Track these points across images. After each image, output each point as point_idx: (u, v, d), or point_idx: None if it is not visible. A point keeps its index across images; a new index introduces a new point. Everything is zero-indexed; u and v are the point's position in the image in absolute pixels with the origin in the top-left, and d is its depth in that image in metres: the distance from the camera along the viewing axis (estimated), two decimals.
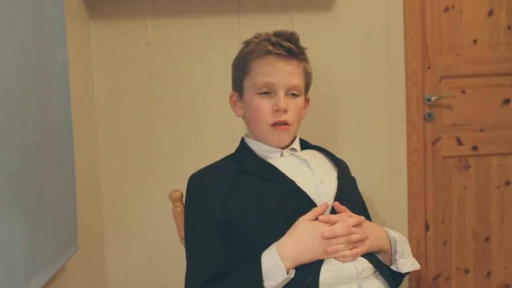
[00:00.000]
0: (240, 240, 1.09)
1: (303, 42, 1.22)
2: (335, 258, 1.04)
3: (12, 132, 1.03)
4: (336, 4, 1.81)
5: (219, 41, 1.76)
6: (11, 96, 1.02)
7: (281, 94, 1.16)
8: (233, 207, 1.10)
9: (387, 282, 1.09)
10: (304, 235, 1.05)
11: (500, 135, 1.92)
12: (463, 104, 1.90)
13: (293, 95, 1.19)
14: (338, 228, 1.05)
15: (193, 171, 1.21)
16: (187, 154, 1.77)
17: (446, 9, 1.87)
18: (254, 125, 1.21)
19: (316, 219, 1.07)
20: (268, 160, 1.19)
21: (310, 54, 1.24)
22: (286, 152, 1.22)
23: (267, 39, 1.18)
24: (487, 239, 1.94)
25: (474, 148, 1.92)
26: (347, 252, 1.04)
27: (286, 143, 1.22)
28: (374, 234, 1.11)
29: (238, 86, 1.24)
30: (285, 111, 1.16)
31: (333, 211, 1.11)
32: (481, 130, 1.91)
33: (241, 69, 1.21)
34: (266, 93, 1.18)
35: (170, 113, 1.78)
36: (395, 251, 1.14)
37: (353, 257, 1.05)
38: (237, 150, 1.27)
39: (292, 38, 1.19)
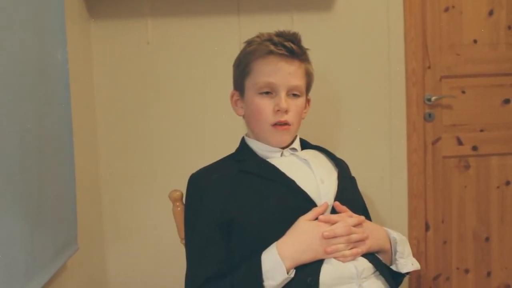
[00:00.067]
0: (240, 240, 1.09)
1: (303, 42, 1.22)
2: (335, 258, 1.03)
3: (12, 132, 1.02)
4: (336, 4, 1.81)
5: (219, 41, 1.76)
6: (11, 96, 1.02)
7: (282, 94, 1.16)
8: (233, 206, 1.10)
9: (387, 282, 1.09)
10: (304, 235, 1.05)
11: (500, 135, 1.92)
12: (463, 104, 1.89)
13: (294, 95, 1.19)
14: (338, 228, 1.05)
15: (193, 171, 1.21)
16: (187, 154, 1.77)
17: (446, 9, 1.87)
18: (255, 124, 1.21)
19: (316, 219, 1.07)
20: (268, 160, 1.19)
21: (310, 54, 1.24)
22: (287, 152, 1.22)
23: (269, 39, 1.18)
24: (487, 239, 1.94)
25: (474, 148, 1.92)
26: (347, 252, 1.04)
27: (287, 143, 1.22)
28: (374, 234, 1.11)
29: (239, 85, 1.24)
30: (286, 112, 1.16)
31: (334, 211, 1.11)
32: (481, 130, 1.91)
33: (242, 69, 1.21)
34: (267, 93, 1.18)
35: (170, 113, 1.78)
36: (395, 251, 1.14)
37: (353, 257, 1.05)
38: (237, 150, 1.27)
39: (294, 38, 1.19)
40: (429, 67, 1.87)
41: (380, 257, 1.13)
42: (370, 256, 1.09)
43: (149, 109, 1.77)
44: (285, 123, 1.17)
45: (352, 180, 1.30)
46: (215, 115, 1.77)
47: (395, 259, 1.13)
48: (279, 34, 1.19)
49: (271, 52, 1.16)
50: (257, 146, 1.23)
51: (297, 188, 1.11)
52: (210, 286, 1.06)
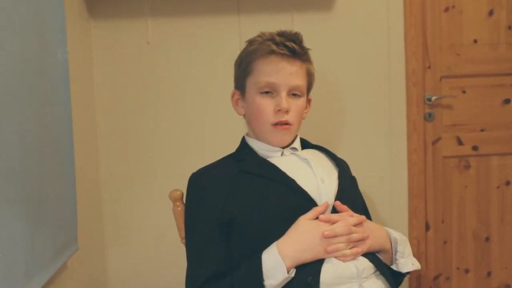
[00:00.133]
0: (241, 240, 1.09)
1: (303, 42, 1.22)
2: (335, 257, 1.03)
3: (12, 132, 1.02)
4: (336, 4, 1.80)
5: (220, 41, 1.76)
6: (11, 96, 1.02)
7: (283, 94, 1.16)
8: (234, 206, 1.10)
9: (388, 281, 1.09)
10: (305, 234, 1.05)
11: (501, 135, 1.92)
12: (463, 104, 1.89)
13: (295, 95, 1.19)
14: (339, 227, 1.05)
15: (194, 171, 1.21)
16: (187, 153, 1.77)
17: (447, 9, 1.87)
18: (255, 124, 1.21)
19: (317, 218, 1.07)
20: (268, 159, 1.19)
21: (310, 54, 1.24)
22: (287, 151, 1.22)
23: (271, 38, 1.18)
24: (487, 239, 1.94)
25: (475, 148, 1.92)
26: (348, 251, 1.04)
27: (287, 142, 1.22)
28: (374, 233, 1.11)
29: (240, 84, 1.24)
30: (286, 112, 1.16)
31: (334, 211, 1.11)
32: (482, 130, 1.91)
33: (244, 68, 1.21)
34: (268, 92, 1.17)
35: (170, 112, 1.78)
36: (396, 251, 1.14)
37: (354, 256, 1.05)
38: (238, 150, 1.27)
39: (296, 38, 1.19)
40: (429, 67, 1.87)
41: (381, 256, 1.13)
42: (371, 255, 1.09)
43: (149, 109, 1.77)
44: (286, 123, 1.17)
45: (353, 179, 1.30)
46: (215, 115, 1.77)
47: (396, 259, 1.13)
48: (281, 34, 1.19)
49: (272, 52, 1.16)
50: (257, 146, 1.23)
51: (298, 187, 1.11)
52: (210, 286, 1.06)
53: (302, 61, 1.19)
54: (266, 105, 1.17)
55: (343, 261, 1.03)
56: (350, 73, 1.82)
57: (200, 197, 1.14)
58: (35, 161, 1.14)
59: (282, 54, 1.16)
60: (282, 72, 1.16)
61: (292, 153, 1.22)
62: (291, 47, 1.16)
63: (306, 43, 1.22)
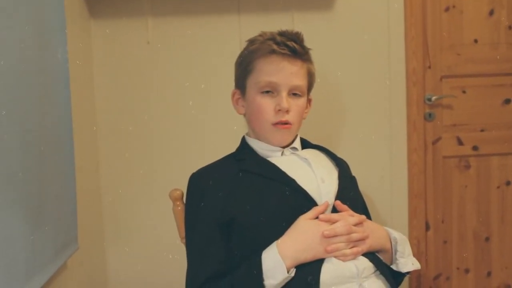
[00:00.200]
0: (241, 240, 1.09)
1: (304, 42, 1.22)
2: (335, 257, 1.03)
3: (12, 132, 1.02)
4: (336, 4, 1.80)
5: (220, 41, 1.76)
6: (11, 96, 1.02)
7: (284, 94, 1.16)
8: (234, 206, 1.10)
9: (388, 281, 1.09)
10: (305, 234, 1.05)
11: (501, 135, 1.92)
12: (463, 104, 1.89)
13: (296, 95, 1.19)
14: (339, 227, 1.05)
15: (193, 171, 1.21)
16: (187, 153, 1.77)
17: (447, 9, 1.86)
18: (255, 123, 1.21)
19: (317, 218, 1.07)
20: (269, 159, 1.19)
21: (311, 53, 1.24)
22: (287, 151, 1.22)
23: (272, 38, 1.18)
24: (487, 239, 1.94)
25: (475, 148, 1.92)
26: (348, 251, 1.04)
27: (287, 142, 1.22)
28: (375, 233, 1.11)
29: (241, 84, 1.24)
30: (287, 111, 1.16)
31: (334, 211, 1.11)
32: (482, 130, 1.91)
33: (244, 67, 1.21)
34: (268, 92, 1.17)
35: (170, 112, 1.78)
36: (396, 251, 1.14)
37: (354, 256, 1.05)
38: (238, 149, 1.27)
39: (297, 38, 1.19)
40: (429, 67, 1.87)
41: (381, 256, 1.13)
42: (371, 255, 1.09)
43: (149, 108, 1.77)
44: (286, 123, 1.17)
45: (353, 179, 1.30)
46: (215, 115, 1.77)
47: (396, 259, 1.13)
48: (282, 34, 1.19)
49: (273, 52, 1.16)
50: (257, 145, 1.23)
51: (298, 187, 1.11)
52: (210, 286, 1.06)
53: (303, 61, 1.19)
54: (267, 104, 1.17)
55: (343, 260, 1.03)
56: (350, 73, 1.82)
57: (200, 197, 1.14)
58: (35, 161, 1.14)
59: (283, 54, 1.16)
60: (283, 72, 1.16)
61: (292, 153, 1.22)
62: (292, 46, 1.16)
63: (306, 43, 1.22)
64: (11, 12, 1.04)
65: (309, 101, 1.27)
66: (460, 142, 1.91)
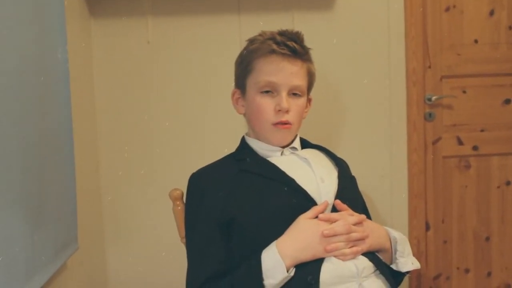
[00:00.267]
0: (241, 239, 1.09)
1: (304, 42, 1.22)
2: (335, 256, 1.03)
3: (12, 132, 1.02)
4: (336, 3, 1.80)
5: (220, 40, 1.76)
6: (11, 96, 1.02)
7: (284, 94, 1.16)
8: (234, 206, 1.10)
9: (388, 281, 1.09)
10: (304, 233, 1.05)
11: (501, 135, 1.92)
12: (463, 104, 1.89)
13: (296, 95, 1.19)
14: (338, 226, 1.05)
15: (193, 171, 1.21)
16: (187, 153, 1.77)
17: (447, 9, 1.86)
18: (255, 123, 1.21)
19: (317, 217, 1.07)
20: (268, 159, 1.19)
21: (311, 53, 1.24)
22: (287, 151, 1.22)
23: (272, 37, 1.18)
24: (487, 239, 1.94)
25: (475, 148, 1.92)
26: (347, 250, 1.04)
27: (287, 142, 1.22)
28: (374, 232, 1.11)
29: (240, 83, 1.24)
30: (287, 111, 1.16)
31: (334, 210, 1.11)
32: (482, 130, 1.91)
33: (244, 67, 1.21)
34: (268, 92, 1.17)
35: (170, 112, 1.77)
36: (396, 250, 1.14)
37: (353, 255, 1.05)
38: (238, 149, 1.27)
39: (297, 37, 1.19)
40: (429, 67, 1.87)
41: (380, 256, 1.13)
42: (371, 255, 1.09)
43: (149, 108, 1.77)
44: (286, 123, 1.17)
45: (352, 179, 1.30)
46: (215, 115, 1.77)
47: (395, 258, 1.13)
48: (282, 33, 1.19)
49: (273, 51, 1.16)
50: (257, 145, 1.23)
51: (297, 187, 1.11)
52: (210, 286, 1.06)
53: (303, 61, 1.19)
54: (266, 104, 1.17)
55: (343, 260, 1.03)
56: (350, 73, 1.82)
57: (200, 197, 1.14)
58: (35, 161, 1.14)
59: (283, 54, 1.16)
60: (283, 72, 1.16)
61: (292, 153, 1.22)
62: (292, 46, 1.15)
63: (307, 43, 1.22)
64: (11, 12, 1.04)
65: (309, 100, 1.27)
66: (460, 142, 1.91)
